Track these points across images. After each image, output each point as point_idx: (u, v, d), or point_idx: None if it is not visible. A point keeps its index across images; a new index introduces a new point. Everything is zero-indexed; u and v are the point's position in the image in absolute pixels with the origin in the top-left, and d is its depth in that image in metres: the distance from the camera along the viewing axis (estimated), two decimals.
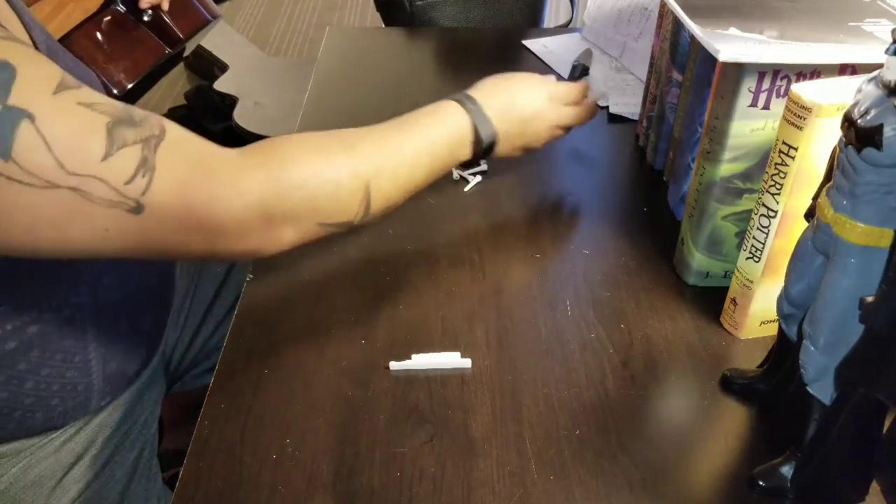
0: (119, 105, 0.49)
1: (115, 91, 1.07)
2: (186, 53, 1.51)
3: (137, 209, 0.47)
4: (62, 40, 1.01)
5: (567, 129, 0.74)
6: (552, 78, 0.73)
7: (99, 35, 1.06)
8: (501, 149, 0.69)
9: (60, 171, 0.44)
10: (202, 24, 1.18)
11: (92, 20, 1.05)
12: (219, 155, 0.52)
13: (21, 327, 0.60)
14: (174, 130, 0.50)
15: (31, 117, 0.43)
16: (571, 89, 0.74)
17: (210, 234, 0.50)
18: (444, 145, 0.64)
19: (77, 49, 1.01)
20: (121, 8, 1.07)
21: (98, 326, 0.66)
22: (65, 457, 0.69)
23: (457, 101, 0.66)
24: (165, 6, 1.09)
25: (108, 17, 1.06)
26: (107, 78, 1.06)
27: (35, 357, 0.62)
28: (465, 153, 0.66)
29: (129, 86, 1.08)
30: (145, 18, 1.08)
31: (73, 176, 0.44)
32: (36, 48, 0.59)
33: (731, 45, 0.55)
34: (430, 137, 0.63)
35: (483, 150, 0.67)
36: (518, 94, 0.69)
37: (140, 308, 0.71)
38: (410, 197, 0.62)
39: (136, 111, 0.49)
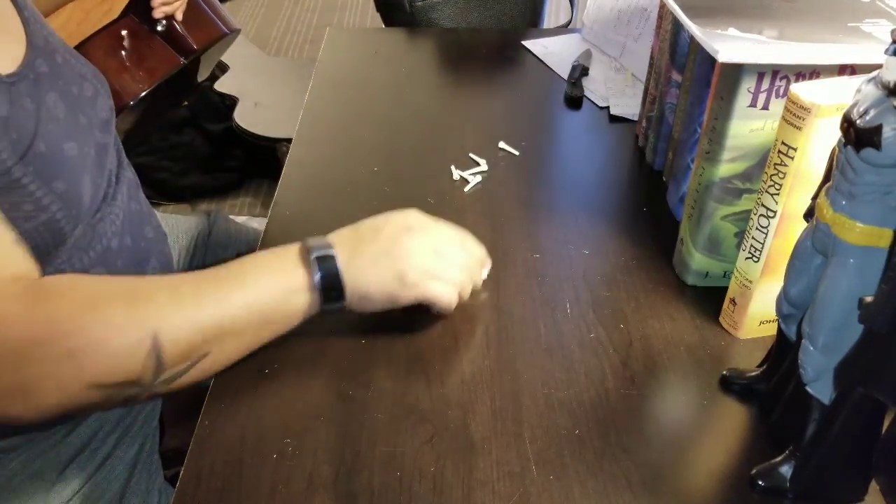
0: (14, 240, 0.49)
1: (127, 99, 1.08)
2: (206, 74, 1.50)
3: None
4: (77, 48, 1.02)
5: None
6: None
7: (113, 44, 1.07)
8: (357, 267, 0.56)
9: None
10: (218, 36, 1.19)
11: (106, 29, 1.06)
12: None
13: None
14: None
15: None
16: (466, 242, 0.63)
17: None
18: (271, 289, 0.54)
19: (91, 58, 1.03)
20: (135, 18, 1.08)
21: None
22: (66, 450, 0.69)
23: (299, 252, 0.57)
24: (179, 17, 1.10)
25: (123, 28, 1.07)
26: (120, 86, 1.07)
27: None
28: (298, 287, 0.55)
29: (143, 94, 1.08)
30: (159, 29, 1.09)
31: None
32: (30, 42, 0.61)
33: (730, 45, 0.55)
34: (238, 270, 0.55)
35: (318, 263, 0.55)
36: (383, 225, 0.59)
37: None
38: (249, 351, 0.55)
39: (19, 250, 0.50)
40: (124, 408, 0.69)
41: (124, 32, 1.07)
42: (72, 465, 0.69)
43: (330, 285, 0.55)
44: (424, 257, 0.57)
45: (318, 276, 0.55)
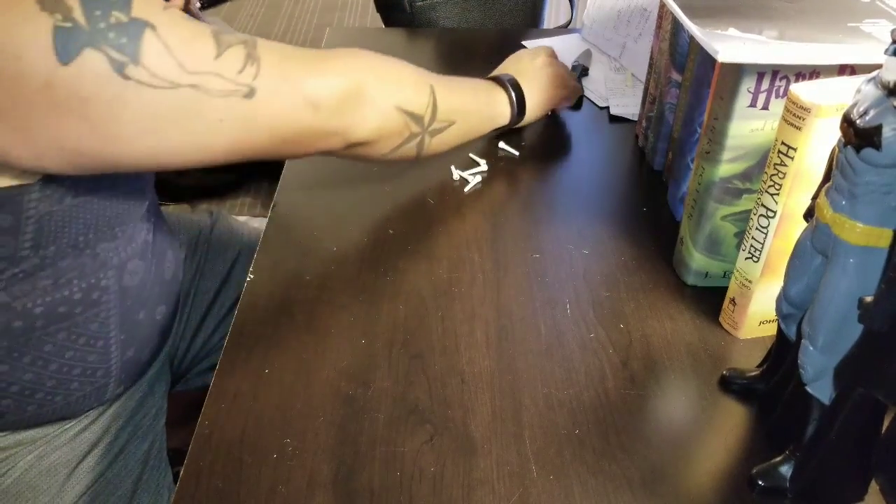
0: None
1: None
2: None
3: (250, 94, 0.53)
4: None
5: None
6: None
7: None
8: (535, 99, 0.85)
9: (182, 71, 0.49)
10: None
11: None
12: (307, 50, 0.59)
13: (53, 304, 0.61)
14: (260, 38, 0.56)
15: (152, 27, 0.48)
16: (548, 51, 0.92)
17: (308, 108, 0.57)
18: (483, 92, 0.80)
19: None
20: None
21: (121, 312, 0.67)
22: (79, 446, 0.70)
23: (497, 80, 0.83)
24: None
25: None
26: None
27: (61, 339, 0.63)
28: (504, 104, 0.82)
29: None
30: None
31: (192, 74, 0.50)
32: None
33: (730, 45, 0.55)
34: (473, 83, 0.79)
35: (517, 99, 0.82)
36: (523, 63, 0.88)
37: (156, 298, 0.72)
38: (461, 143, 0.76)
39: (226, 26, 0.57)
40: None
41: None
42: (85, 460, 0.70)
43: (520, 110, 0.83)
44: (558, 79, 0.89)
45: (516, 108, 0.83)
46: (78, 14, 0.45)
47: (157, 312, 0.73)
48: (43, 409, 0.65)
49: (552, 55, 0.90)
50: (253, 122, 0.54)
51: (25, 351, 0.61)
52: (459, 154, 0.87)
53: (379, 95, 0.62)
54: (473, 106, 0.76)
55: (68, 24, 0.45)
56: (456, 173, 0.83)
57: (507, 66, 0.88)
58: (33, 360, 0.62)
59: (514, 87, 0.81)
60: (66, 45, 0.45)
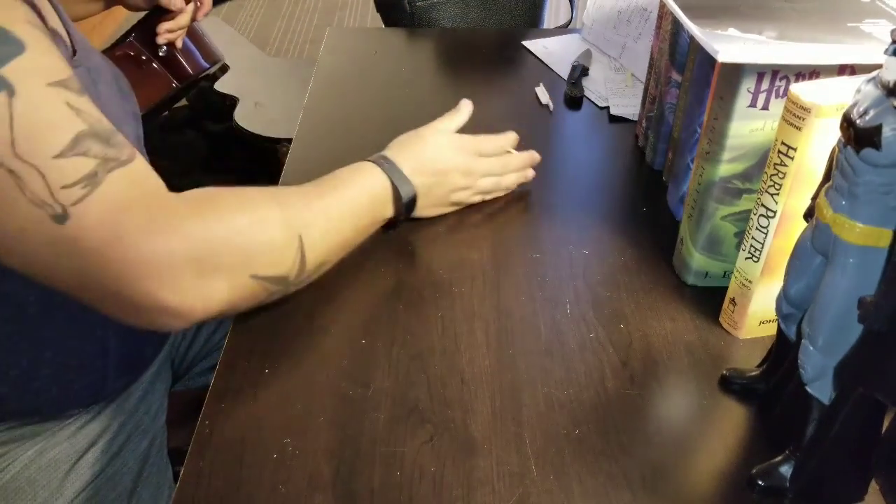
0: (105, 124, 0.48)
1: None
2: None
3: (61, 218, 0.45)
4: None
5: (490, 187, 0.77)
6: (463, 135, 0.75)
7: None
8: (422, 203, 0.71)
9: (9, 149, 0.43)
10: (212, 63, 1.19)
11: (108, 52, 1.06)
12: (164, 196, 0.51)
13: (47, 292, 0.60)
14: (140, 163, 0.50)
15: (10, 91, 0.43)
16: (484, 140, 0.76)
17: (132, 272, 0.47)
18: (367, 204, 0.65)
19: None
20: (136, 43, 1.08)
21: None
22: (79, 442, 0.70)
23: (373, 161, 0.68)
24: (179, 44, 1.11)
25: (122, 52, 1.07)
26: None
27: (59, 326, 0.63)
28: (388, 211, 0.68)
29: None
30: (161, 54, 1.09)
31: (17, 159, 0.44)
32: (72, 39, 0.61)
33: (730, 45, 0.55)
34: (352, 197, 0.64)
35: (405, 206, 0.69)
36: (427, 150, 0.72)
37: None
38: (340, 256, 0.64)
39: (118, 136, 0.49)
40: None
41: (124, 57, 1.07)
42: (85, 456, 0.70)
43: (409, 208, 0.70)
44: (467, 192, 0.75)
45: (402, 203, 0.69)
46: None
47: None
48: (40, 397, 0.65)
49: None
50: (53, 252, 0.46)
51: (23, 337, 0.61)
52: None
53: (231, 263, 0.52)
54: (354, 230, 0.65)
55: None
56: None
57: (413, 145, 0.73)
58: (30, 345, 0.62)
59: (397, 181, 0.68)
60: None
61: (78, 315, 0.64)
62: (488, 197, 0.77)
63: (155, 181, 0.51)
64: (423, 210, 0.72)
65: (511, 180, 0.77)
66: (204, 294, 0.51)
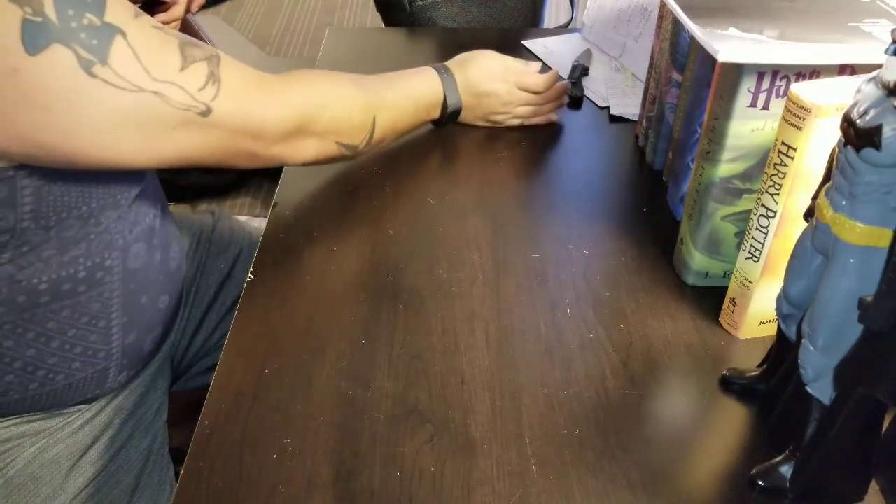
0: (180, 32, 0.58)
1: None
2: None
3: (206, 112, 0.57)
4: None
5: (526, 115, 0.91)
6: (517, 62, 0.89)
7: None
8: (465, 115, 0.88)
9: (147, 77, 0.53)
10: None
11: None
12: (265, 76, 0.63)
13: (58, 281, 0.62)
14: (224, 55, 0.60)
15: (123, 33, 0.51)
16: (528, 76, 0.88)
17: (255, 136, 0.62)
18: (423, 102, 0.82)
19: None
20: None
21: (123, 294, 0.68)
22: (82, 439, 0.70)
23: (435, 70, 0.84)
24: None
25: None
26: None
27: (64, 316, 0.64)
28: (436, 113, 0.85)
29: None
30: None
31: (156, 82, 0.53)
32: None
33: (730, 45, 0.55)
34: (415, 92, 0.81)
35: (449, 115, 0.85)
36: (477, 71, 0.86)
37: (159, 286, 0.73)
38: (396, 139, 0.82)
39: (192, 38, 0.58)
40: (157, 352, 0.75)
41: None
42: (87, 454, 0.70)
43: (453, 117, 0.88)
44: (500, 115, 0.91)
45: (446, 116, 0.86)
46: (49, 10, 0.47)
47: (159, 301, 0.74)
48: (45, 388, 0.66)
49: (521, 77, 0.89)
50: (203, 138, 0.58)
51: (29, 327, 0.62)
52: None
53: (322, 130, 0.68)
54: (410, 121, 0.81)
55: (38, 19, 0.47)
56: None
57: (470, 65, 0.87)
58: (37, 336, 0.63)
59: (451, 91, 0.85)
60: (35, 38, 0.47)
61: (85, 305, 0.64)
62: (525, 122, 0.92)
63: (244, 66, 0.62)
64: (465, 120, 0.89)
65: (545, 112, 0.92)
66: (300, 150, 0.67)
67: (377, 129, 0.74)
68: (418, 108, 0.81)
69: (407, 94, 0.79)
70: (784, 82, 0.57)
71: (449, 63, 0.86)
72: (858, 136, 0.40)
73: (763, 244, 0.57)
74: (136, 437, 0.74)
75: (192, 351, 0.87)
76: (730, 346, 0.61)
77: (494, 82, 0.86)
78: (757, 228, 0.57)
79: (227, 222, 0.96)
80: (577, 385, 0.58)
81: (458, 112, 0.86)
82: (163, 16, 1.02)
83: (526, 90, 0.88)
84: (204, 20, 1.09)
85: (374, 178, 0.82)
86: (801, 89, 0.50)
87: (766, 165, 0.54)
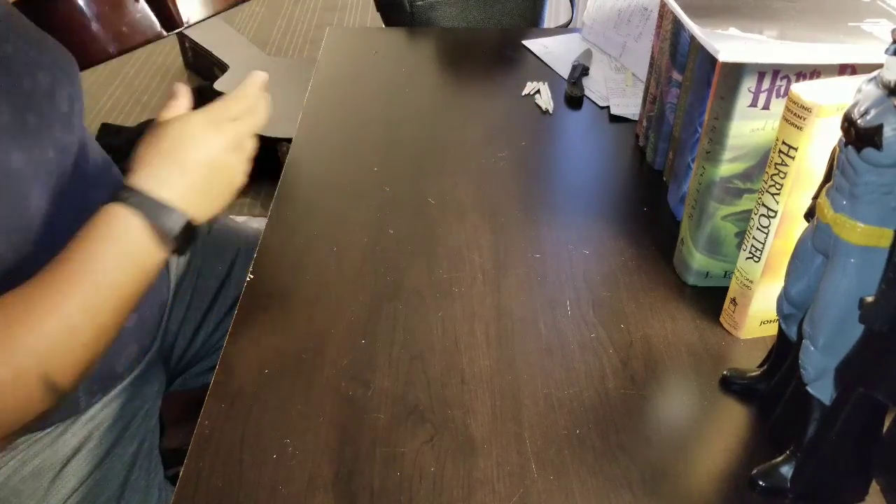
0: None
1: (92, 61, 0.94)
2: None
3: None
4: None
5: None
6: (209, 111, 0.60)
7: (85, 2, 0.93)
8: (203, 212, 0.58)
9: None
10: (208, 16, 1.12)
11: None
12: None
13: None
14: None
15: None
16: (231, 102, 0.61)
17: None
18: (127, 268, 0.53)
19: (59, 12, 0.89)
20: None
21: None
22: (62, 449, 0.69)
23: (123, 204, 0.53)
24: None
25: None
26: (87, 43, 0.92)
27: None
28: (160, 254, 0.55)
29: (109, 58, 0.95)
30: None
31: None
32: None
33: (730, 45, 0.55)
34: (99, 283, 0.52)
35: (179, 237, 0.55)
36: (182, 150, 0.57)
37: None
38: (112, 337, 0.55)
39: None
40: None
41: None
42: (70, 464, 0.69)
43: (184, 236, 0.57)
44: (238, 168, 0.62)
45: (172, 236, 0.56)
46: None
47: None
48: None
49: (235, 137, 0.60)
50: None
51: None
52: (465, 151, 0.86)
53: None
54: (112, 317, 0.54)
55: None
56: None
57: (156, 152, 0.57)
58: None
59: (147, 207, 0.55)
60: None
61: None
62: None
63: None
64: (205, 215, 0.58)
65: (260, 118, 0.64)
66: None
67: (59, 376, 0.50)
68: (119, 290, 0.53)
69: (86, 293, 0.51)
70: (785, 82, 0.57)
71: (135, 177, 0.55)
72: (859, 135, 0.40)
73: (764, 244, 0.57)
74: (122, 444, 0.73)
75: (192, 351, 0.87)
76: (730, 346, 0.61)
77: (205, 142, 0.58)
78: (758, 228, 0.57)
79: (222, 224, 0.95)
80: (577, 385, 0.58)
81: (189, 227, 0.56)
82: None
83: (238, 116, 0.61)
84: (206, 21, 1.08)
85: (374, 177, 0.82)
86: (801, 89, 0.50)
87: (767, 165, 0.54)
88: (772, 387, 0.55)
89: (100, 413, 0.71)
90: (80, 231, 0.53)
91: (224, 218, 0.97)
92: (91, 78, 2.57)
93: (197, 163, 0.57)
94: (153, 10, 0.95)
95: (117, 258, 0.53)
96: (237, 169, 0.61)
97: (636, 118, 0.94)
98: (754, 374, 0.57)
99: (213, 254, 0.90)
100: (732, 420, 0.55)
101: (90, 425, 0.71)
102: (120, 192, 0.54)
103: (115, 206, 0.54)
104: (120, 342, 0.69)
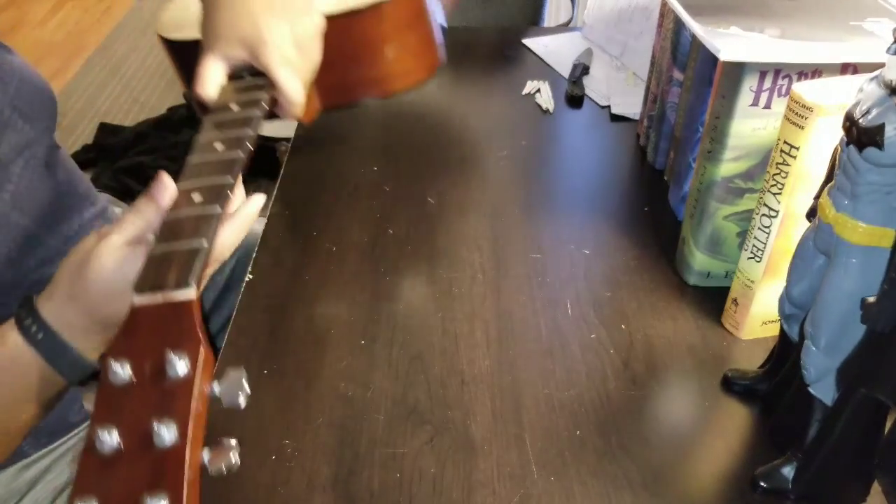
0: None
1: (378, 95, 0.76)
2: None
3: None
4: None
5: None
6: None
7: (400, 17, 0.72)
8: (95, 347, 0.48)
9: None
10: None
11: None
12: None
13: None
14: None
15: None
16: (120, 228, 0.46)
17: None
18: (17, 395, 0.48)
19: (369, 29, 0.69)
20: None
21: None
22: (18, 487, 0.66)
23: (23, 332, 0.47)
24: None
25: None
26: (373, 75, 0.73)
27: None
28: (54, 386, 0.48)
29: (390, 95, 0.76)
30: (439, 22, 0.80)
31: None
32: None
33: (732, 44, 0.55)
34: None
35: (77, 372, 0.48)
36: (103, 305, 0.46)
37: None
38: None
39: None
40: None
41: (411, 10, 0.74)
42: (28, 496, 0.66)
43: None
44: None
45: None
46: None
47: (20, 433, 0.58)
48: None
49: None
50: None
51: None
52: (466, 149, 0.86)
53: None
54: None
55: None
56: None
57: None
58: None
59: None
60: None
61: None
62: None
63: None
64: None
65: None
66: None
67: None
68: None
69: None
70: (786, 81, 0.57)
71: (44, 304, 0.47)
72: (861, 135, 0.40)
73: (765, 244, 0.57)
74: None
75: None
76: (732, 347, 0.61)
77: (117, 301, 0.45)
78: (759, 228, 0.57)
79: None
80: (577, 386, 0.57)
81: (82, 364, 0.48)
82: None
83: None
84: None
85: (374, 177, 0.82)
86: (803, 88, 0.50)
87: (769, 165, 0.54)
88: (773, 387, 0.55)
89: (56, 451, 0.68)
90: None
91: None
92: (89, 78, 2.57)
93: (117, 317, 0.42)
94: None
95: (13, 399, 0.48)
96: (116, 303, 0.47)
97: (637, 117, 0.94)
98: (756, 374, 0.57)
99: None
100: (734, 421, 0.55)
101: (46, 463, 0.67)
102: (25, 313, 0.47)
103: (12, 335, 0.47)
104: (71, 394, 0.62)
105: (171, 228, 0.43)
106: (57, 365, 0.47)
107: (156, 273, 0.39)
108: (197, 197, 0.45)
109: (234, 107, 0.54)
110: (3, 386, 0.47)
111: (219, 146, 0.50)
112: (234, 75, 0.57)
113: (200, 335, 0.35)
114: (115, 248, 0.45)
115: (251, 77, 0.57)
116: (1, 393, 0.47)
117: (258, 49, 0.55)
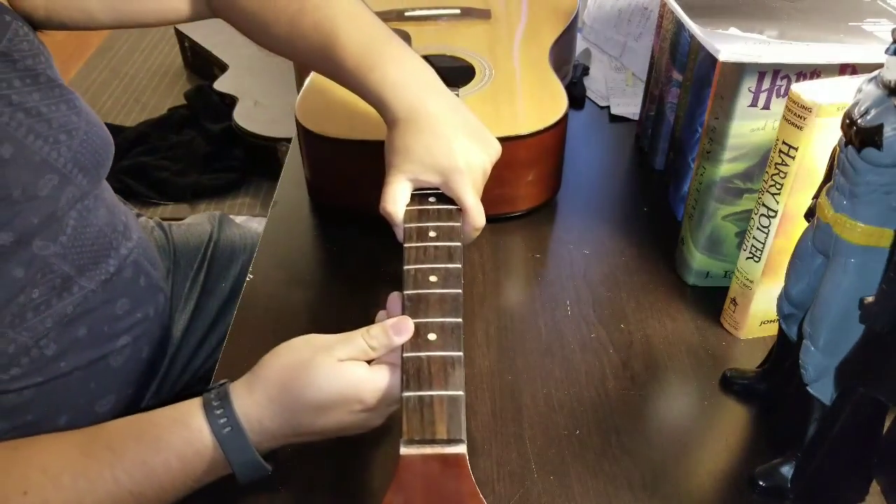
0: None
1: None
2: None
3: None
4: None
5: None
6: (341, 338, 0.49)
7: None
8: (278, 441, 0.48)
9: None
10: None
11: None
12: None
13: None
14: None
15: None
16: (371, 385, 0.47)
17: None
18: (187, 485, 0.47)
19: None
20: None
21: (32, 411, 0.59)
22: None
23: (212, 429, 0.46)
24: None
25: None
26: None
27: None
28: (215, 477, 0.48)
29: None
30: None
31: None
32: None
33: (731, 44, 0.55)
34: (155, 489, 0.46)
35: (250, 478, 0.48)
36: (313, 419, 0.47)
37: (100, 390, 0.64)
38: None
39: None
40: None
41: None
42: None
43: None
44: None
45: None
46: None
47: (97, 405, 0.63)
48: None
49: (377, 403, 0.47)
50: None
51: None
52: None
53: None
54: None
55: None
56: None
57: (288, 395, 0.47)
58: None
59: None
60: None
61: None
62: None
63: None
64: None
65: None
66: None
67: None
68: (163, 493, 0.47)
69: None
70: (785, 82, 0.57)
71: (241, 398, 0.47)
72: (859, 135, 0.40)
73: (764, 244, 0.57)
74: None
75: (187, 376, 0.83)
76: (731, 347, 0.61)
77: (334, 413, 0.47)
78: (758, 228, 0.57)
79: (228, 233, 0.88)
80: (577, 385, 0.58)
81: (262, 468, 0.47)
82: None
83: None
84: (205, 20, 1.09)
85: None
86: (801, 89, 0.50)
87: (767, 165, 0.54)
88: (772, 387, 0.55)
89: None
90: (152, 428, 0.47)
91: (229, 225, 0.93)
92: (91, 77, 2.57)
93: (318, 431, 0.48)
94: None
95: (179, 479, 0.47)
96: (359, 429, 0.50)
97: (636, 118, 0.94)
98: (754, 374, 0.57)
99: (218, 271, 0.84)
100: (733, 420, 0.55)
101: None
102: (217, 401, 0.46)
103: (197, 419, 0.46)
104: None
105: (417, 371, 0.43)
106: (235, 464, 0.46)
107: (421, 425, 0.39)
108: (433, 337, 0.45)
109: (432, 233, 0.54)
110: (166, 463, 0.46)
111: (433, 278, 0.50)
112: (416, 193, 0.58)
113: (479, 493, 0.36)
114: (334, 364, 0.46)
115: (439, 202, 0.57)
116: (163, 469, 0.46)
117: (452, 177, 0.55)
